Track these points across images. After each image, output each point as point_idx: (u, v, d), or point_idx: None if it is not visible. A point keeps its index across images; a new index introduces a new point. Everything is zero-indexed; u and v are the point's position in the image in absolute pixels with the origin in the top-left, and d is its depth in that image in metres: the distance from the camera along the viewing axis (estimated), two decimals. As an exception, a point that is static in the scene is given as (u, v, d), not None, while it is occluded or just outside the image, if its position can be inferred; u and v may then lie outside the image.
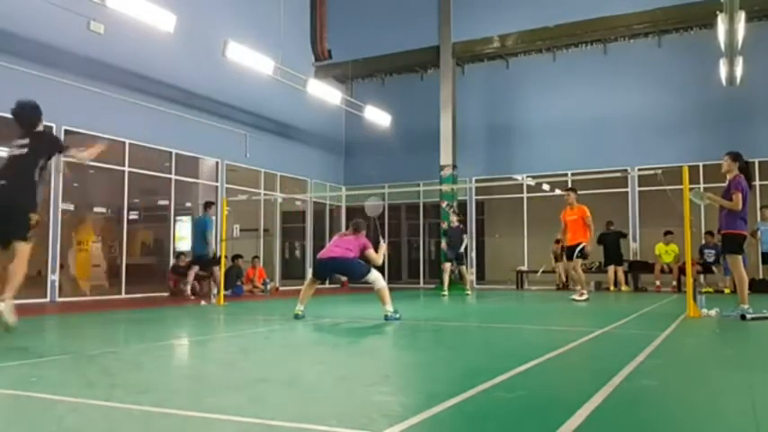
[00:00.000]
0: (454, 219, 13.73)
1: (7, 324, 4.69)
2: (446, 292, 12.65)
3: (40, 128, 5.51)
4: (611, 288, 13.83)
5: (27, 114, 5.47)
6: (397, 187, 16.64)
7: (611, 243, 14.11)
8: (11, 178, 5.19)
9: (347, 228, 7.64)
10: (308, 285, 7.53)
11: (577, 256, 10.36)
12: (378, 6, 18.28)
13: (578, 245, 10.29)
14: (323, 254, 7.36)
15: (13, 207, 5.13)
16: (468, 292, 13.04)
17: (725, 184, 7.22)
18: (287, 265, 17.84)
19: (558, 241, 12.11)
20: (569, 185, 15.51)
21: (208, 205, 11.88)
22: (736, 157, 7.18)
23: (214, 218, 11.49)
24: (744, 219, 7.04)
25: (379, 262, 7.30)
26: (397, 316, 6.86)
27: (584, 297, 10.28)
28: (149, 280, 13.24)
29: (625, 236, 14.62)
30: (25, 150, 5.30)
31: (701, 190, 9.02)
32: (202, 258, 11.52)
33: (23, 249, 5.08)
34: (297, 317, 7.13)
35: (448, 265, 13.17)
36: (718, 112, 14.71)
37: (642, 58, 15.68)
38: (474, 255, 17.21)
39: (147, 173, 12.86)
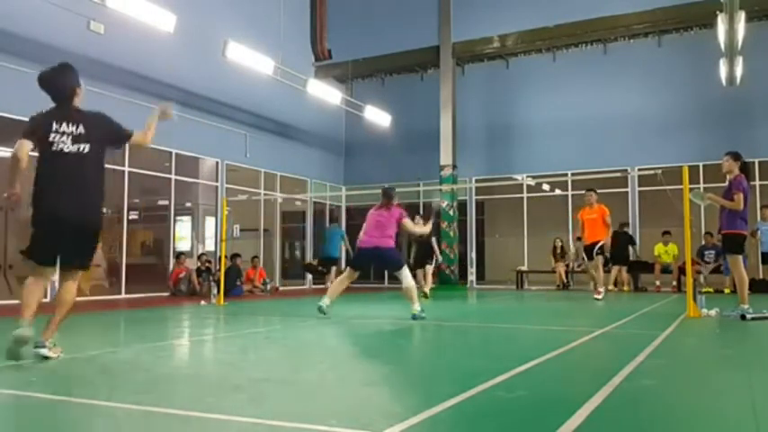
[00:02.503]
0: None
1: (49, 357, 3.90)
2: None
3: (78, 102, 4.22)
4: (612, 288, 13.83)
5: (61, 82, 4.20)
6: (397, 187, 16.60)
7: (621, 244, 14.12)
8: (77, 186, 4.02)
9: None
10: (346, 278, 7.30)
11: (597, 254, 10.53)
12: (378, 6, 18.28)
13: (597, 243, 10.52)
14: (365, 241, 7.15)
15: (82, 226, 4.06)
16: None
17: (725, 185, 7.22)
18: (287, 265, 17.86)
19: (579, 238, 12.03)
20: (569, 184, 15.59)
21: (335, 219, 17.15)
22: (736, 156, 7.18)
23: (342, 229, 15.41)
24: (744, 219, 7.05)
25: (417, 231, 7.50)
26: (423, 315, 6.84)
27: (602, 296, 10.32)
28: (149, 280, 13.24)
29: (634, 243, 14.52)
30: (85, 147, 4.05)
31: (701, 190, 9.02)
32: (336, 260, 14.76)
33: (78, 279, 4.24)
34: (321, 310, 6.98)
35: (429, 268, 12.84)
36: (718, 112, 14.70)
37: (642, 58, 15.68)
38: (474, 255, 17.22)
39: (147, 173, 12.86)
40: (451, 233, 16.58)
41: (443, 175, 16.59)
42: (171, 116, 4.67)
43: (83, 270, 4.26)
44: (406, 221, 7.20)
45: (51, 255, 4.03)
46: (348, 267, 7.50)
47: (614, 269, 14.04)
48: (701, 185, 13.82)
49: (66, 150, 3.98)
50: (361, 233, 7.36)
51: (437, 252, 12.81)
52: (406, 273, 7.04)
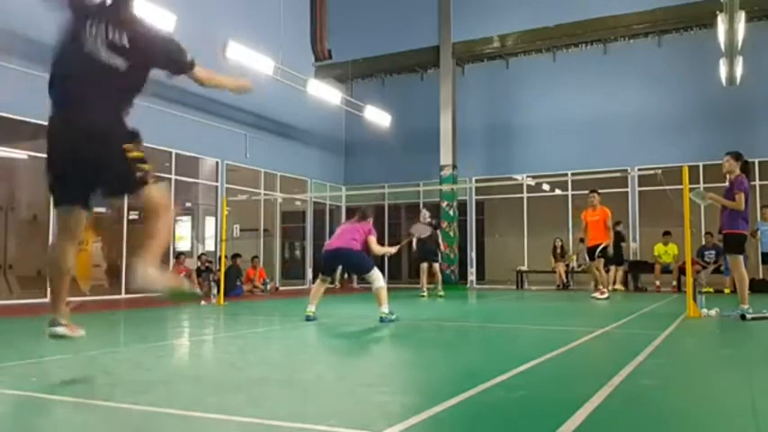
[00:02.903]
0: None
1: (189, 293, 3.07)
2: (425, 293, 12.14)
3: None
4: (610, 287, 13.82)
5: None
6: (397, 187, 16.67)
7: (615, 243, 14.09)
8: (101, 98, 3.00)
9: (354, 215, 7.44)
10: (319, 284, 7.30)
11: (598, 256, 10.60)
12: (378, 6, 18.27)
13: (599, 245, 10.62)
14: (328, 245, 7.24)
15: (98, 143, 2.96)
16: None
17: (725, 185, 7.23)
18: (287, 265, 17.86)
19: (582, 240, 12.07)
20: (569, 184, 15.60)
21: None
22: (738, 156, 7.19)
23: None
24: (745, 219, 7.06)
25: (378, 252, 7.28)
26: (393, 317, 6.69)
27: (606, 296, 10.44)
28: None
29: (623, 240, 14.50)
30: (124, 63, 3.01)
31: (701, 190, 9.03)
32: None
33: (157, 194, 3.12)
34: (308, 318, 6.86)
35: (437, 266, 12.64)
36: (718, 112, 14.70)
37: (642, 58, 15.67)
38: (474, 255, 17.21)
39: (147, 173, 12.85)
40: (451, 233, 16.59)
41: (443, 175, 16.59)
42: (246, 91, 3.86)
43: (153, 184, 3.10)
44: (372, 238, 7.15)
45: (78, 189, 3.03)
46: (319, 275, 7.47)
47: (612, 269, 14.06)
48: (701, 185, 13.81)
49: (96, 59, 3.00)
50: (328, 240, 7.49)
51: (441, 248, 12.77)
52: (376, 275, 6.91)
